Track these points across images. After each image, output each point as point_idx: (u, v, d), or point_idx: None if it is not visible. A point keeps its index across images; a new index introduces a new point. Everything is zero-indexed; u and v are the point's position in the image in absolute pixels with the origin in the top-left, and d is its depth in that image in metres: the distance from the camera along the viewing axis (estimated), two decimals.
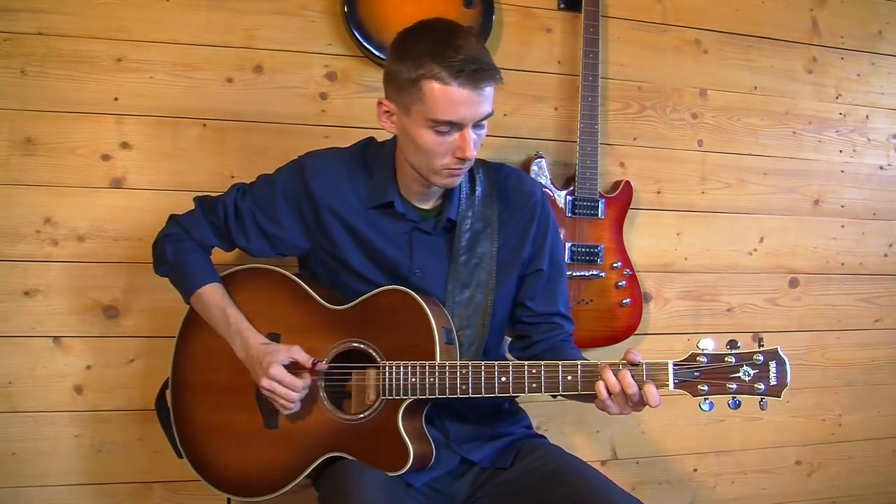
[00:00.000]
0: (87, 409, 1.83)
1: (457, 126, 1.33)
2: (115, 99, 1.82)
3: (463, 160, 1.36)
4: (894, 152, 2.46)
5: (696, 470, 2.30)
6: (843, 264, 2.41)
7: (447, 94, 1.29)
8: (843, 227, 2.40)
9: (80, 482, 1.84)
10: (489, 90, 1.32)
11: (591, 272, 2.01)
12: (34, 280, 1.80)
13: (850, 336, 2.42)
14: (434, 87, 1.29)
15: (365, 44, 1.88)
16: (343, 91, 1.96)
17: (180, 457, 1.57)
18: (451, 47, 1.29)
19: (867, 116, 2.41)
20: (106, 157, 1.83)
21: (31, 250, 1.79)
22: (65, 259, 1.81)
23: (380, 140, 1.56)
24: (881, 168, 2.44)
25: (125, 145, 1.84)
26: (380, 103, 1.40)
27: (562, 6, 2.09)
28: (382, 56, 1.89)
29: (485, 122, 1.37)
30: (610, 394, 1.27)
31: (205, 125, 1.88)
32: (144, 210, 1.83)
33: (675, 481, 2.28)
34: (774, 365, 1.22)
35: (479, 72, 1.29)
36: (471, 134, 1.34)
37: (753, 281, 2.32)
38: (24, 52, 1.77)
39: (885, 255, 2.45)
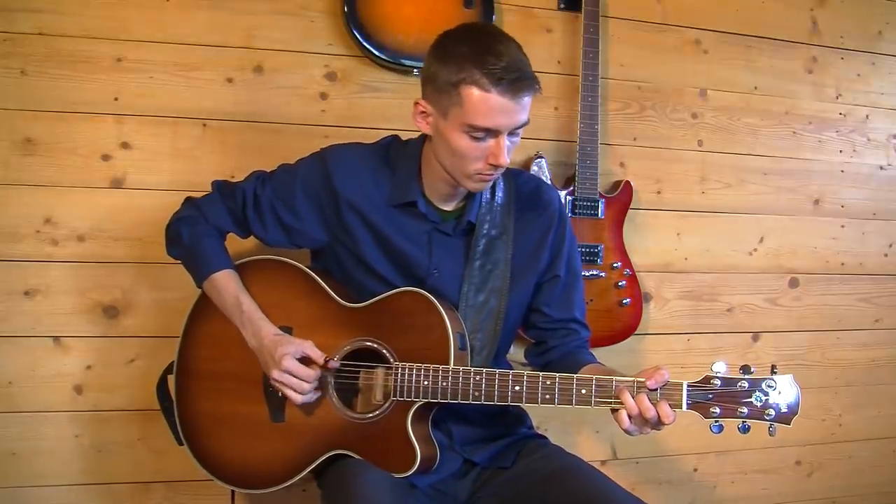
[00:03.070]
0: (87, 409, 1.83)
1: (493, 133, 1.33)
2: (115, 99, 1.82)
3: (496, 167, 1.36)
4: (894, 152, 2.46)
5: (696, 470, 2.30)
6: (843, 264, 2.41)
7: (486, 101, 1.29)
8: (843, 227, 2.40)
9: (80, 482, 1.83)
10: (527, 99, 1.32)
11: (591, 272, 2.01)
12: (34, 280, 1.79)
13: (850, 336, 2.42)
14: (473, 93, 1.29)
15: (365, 44, 1.88)
16: (343, 91, 1.96)
17: (180, 444, 1.56)
18: (493, 53, 1.28)
19: (867, 116, 2.41)
20: (106, 157, 1.83)
21: (30, 250, 1.79)
22: (65, 259, 1.81)
23: (403, 138, 1.56)
24: (881, 168, 2.44)
25: (125, 145, 1.84)
26: (416, 103, 1.40)
27: (562, 6, 2.09)
28: (383, 56, 1.89)
29: (520, 131, 1.37)
30: (629, 416, 1.27)
31: (205, 125, 1.88)
32: (144, 210, 1.83)
33: (676, 481, 2.28)
34: (786, 392, 1.23)
35: (519, 80, 1.29)
36: (505, 141, 1.34)
37: (753, 281, 2.32)
38: (24, 52, 1.76)
39: (885, 255, 2.45)
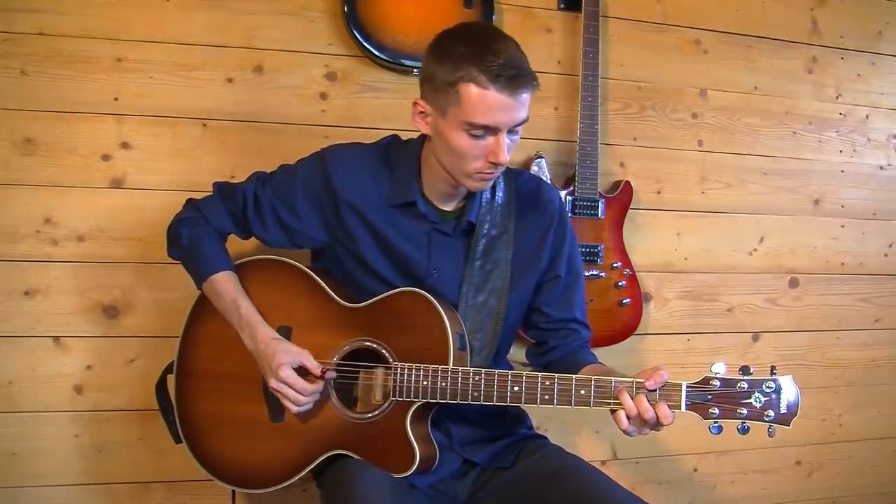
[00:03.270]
0: (87, 409, 1.83)
1: (492, 130, 1.33)
2: (115, 99, 1.82)
3: (496, 165, 1.36)
4: (894, 152, 2.46)
5: (696, 470, 2.30)
6: (843, 264, 2.41)
7: (484, 98, 1.29)
8: (843, 227, 2.40)
9: (80, 482, 1.83)
10: (526, 96, 1.32)
11: (591, 272, 2.01)
12: (34, 280, 1.79)
13: (850, 336, 2.42)
14: (471, 91, 1.29)
15: (365, 44, 1.88)
16: (343, 91, 1.96)
17: (178, 441, 1.56)
18: (491, 51, 1.29)
19: (867, 116, 2.41)
20: (106, 157, 1.83)
21: (31, 250, 1.79)
22: (65, 259, 1.81)
23: (403, 138, 1.56)
24: (881, 168, 2.44)
25: (125, 145, 1.84)
26: (415, 104, 1.40)
27: (562, 6, 2.09)
28: (382, 56, 1.89)
29: (519, 129, 1.37)
30: (628, 417, 1.27)
31: (205, 125, 1.88)
32: (144, 210, 1.83)
33: (675, 481, 2.28)
34: (785, 393, 1.23)
35: (517, 77, 1.29)
36: (505, 139, 1.34)
37: (753, 281, 2.32)
38: (24, 52, 1.76)
39: (885, 255, 2.45)
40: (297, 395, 1.41)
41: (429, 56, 1.37)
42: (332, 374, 1.45)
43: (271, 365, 1.41)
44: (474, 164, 1.36)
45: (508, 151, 1.36)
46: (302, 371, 1.43)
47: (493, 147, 1.34)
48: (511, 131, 1.35)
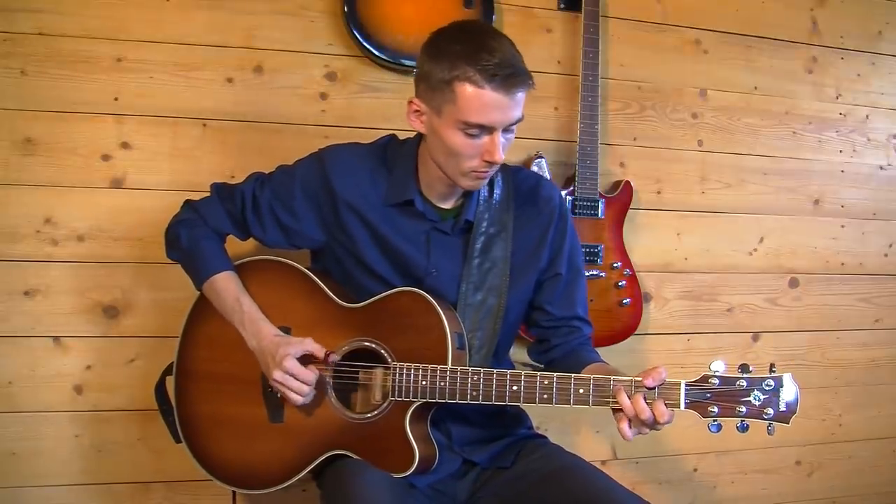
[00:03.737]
0: (87, 409, 1.83)
1: (487, 129, 1.33)
2: (115, 99, 1.82)
3: (491, 164, 1.36)
4: (894, 152, 2.46)
5: (696, 470, 2.30)
6: (843, 264, 2.41)
7: (479, 97, 1.29)
8: (843, 227, 2.40)
9: (80, 482, 1.83)
10: (521, 95, 1.32)
11: (591, 272, 2.01)
12: (34, 280, 1.80)
13: (850, 336, 2.42)
14: (467, 90, 1.29)
15: (365, 44, 1.88)
16: (343, 91, 1.96)
17: (178, 441, 1.56)
18: (486, 50, 1.29)
19: (867, 116, 2.41)
20: (106, 157, 1.83)
21: (30, 250, 1.79)
22: (65, 259, 1.81)
23: (400, 138, 1.56)
24: (881, 168, 2.44)
25: (125, 145, 1.84)
26: (410, 102, 1.40)
27: (562, 6, 2.09)
28: (382, 56, 1.89)
29: (514, 127, 1.37)
30: (627, 418, 1.27)
31: (205, 125, 1.88)
32: (144, 210, 1.83)
33: (675, 481, 2.28)
34: (785, 391, 1.23)
35: (512, 76, 1.29)
36: (500, 138, 1.34)
37: (753, 281, 2.32)
38: (24, 52, 1.76)
39: (885, 255, 2.45)
40: (301, 385, 1.41)
41: (424, 54, 1.37)
42: (335, 358, 1.44)
43: (275, 357, 1.41)
44: (469, 162, 1.36)
45: (503, 150, 1.36)
46: (304, 361, 1.43)
47: (488, 146, 1.34)
48: (506, 130, 1.35)
